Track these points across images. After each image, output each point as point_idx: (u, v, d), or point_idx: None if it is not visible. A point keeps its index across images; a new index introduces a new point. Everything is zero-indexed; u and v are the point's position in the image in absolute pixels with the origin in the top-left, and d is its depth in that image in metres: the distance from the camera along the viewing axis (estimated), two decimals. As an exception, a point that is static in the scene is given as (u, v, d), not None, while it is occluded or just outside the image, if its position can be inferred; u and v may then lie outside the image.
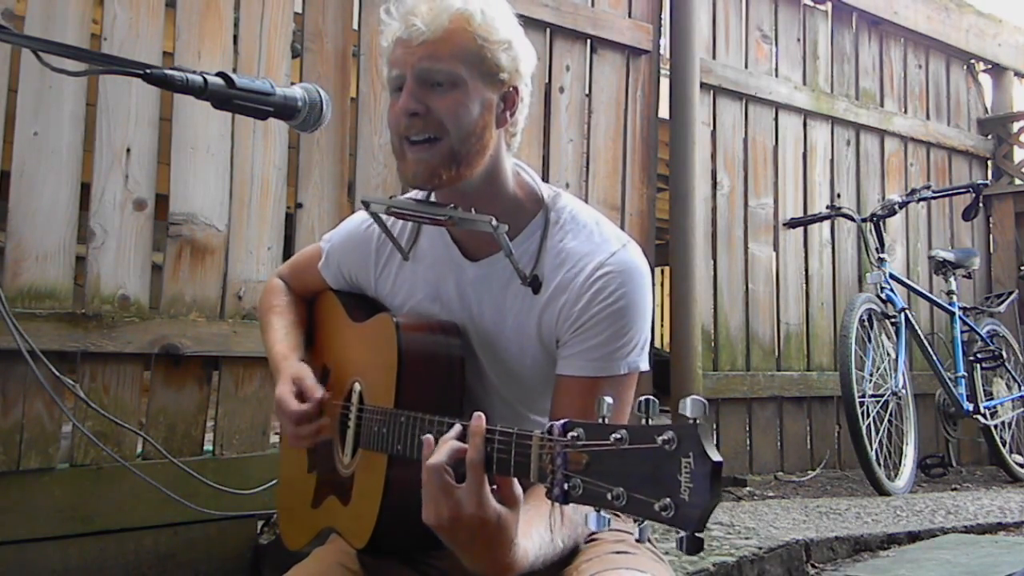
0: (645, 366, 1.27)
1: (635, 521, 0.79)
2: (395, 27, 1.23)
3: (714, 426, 3.87)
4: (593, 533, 1.22)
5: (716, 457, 0.74)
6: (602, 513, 0.82)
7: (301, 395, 1.34)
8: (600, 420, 0.84)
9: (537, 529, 1.07)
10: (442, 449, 0.98)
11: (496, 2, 1.25)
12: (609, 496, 0.80)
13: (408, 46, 1.21)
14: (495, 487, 0.98)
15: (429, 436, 1.01)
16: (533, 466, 0.90)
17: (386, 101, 1.30)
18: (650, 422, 0.80)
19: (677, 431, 0.77)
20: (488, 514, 0.96)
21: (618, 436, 0.81)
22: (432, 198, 1.31)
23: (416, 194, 1.36)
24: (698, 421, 0.76)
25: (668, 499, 0.76)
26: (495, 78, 1.24)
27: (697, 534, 0.75)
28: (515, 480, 0.98)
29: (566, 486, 0.84)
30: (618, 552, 1.18)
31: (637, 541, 0.81)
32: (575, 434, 0.85)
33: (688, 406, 0.77)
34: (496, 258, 1.29)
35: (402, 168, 1.25)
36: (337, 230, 1.51)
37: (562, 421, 0.87)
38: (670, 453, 0.77)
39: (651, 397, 0.81)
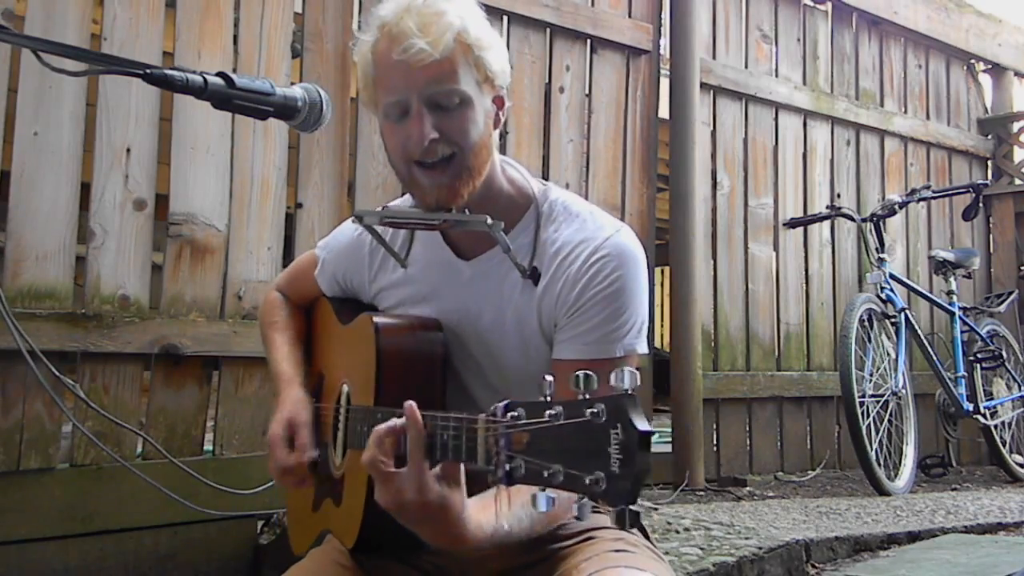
0: (643, 349, 1.27)
1: (576, 499, 0.78)
2: (381, 46, 1.19)
3: (714, 426, 3.87)
4: (590, 530, 1.23)
5: (643, 427, 0.73)
6: (547, 492, 0.81)
7: (291, 444, 1.34)
8: (543, 399, 0.83)
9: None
10: (371, 442, 1.01)
11: (473, 6, 1.24)
12: (546, 474, 0.79)
13: (409, 70, 1.17)
14: (439, 469, 0.99)
15: (377, 428, 1.02)
16: (480, 450, 0.90)
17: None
18: (586, 397, 0.79)
19: (607, 403, 0.76)
20: (429, 498, 0.97)
21: (553, 412, 0.80)
22: None
23: (408, 199, 1.36)
24: (631, 391, 0.75)
25: (600, 472, 0.75)
26: (491, 84, 1.24)
27: (631, 507, 0.74)
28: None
29: (508, 467, 0.84)
30: (617, 551, 1.18)
31: (576, 519, 0.79)
32: (515, 414, 0.85)
33: (625, 377, 0.76)
34: (490, 255, 1.29)
35: (418, 194, 1.24)
36: (331, 236, 1.51)
37: (504, 402, 0.87)
38: (599, 426, 0.75)
39: (589, 372, 0.80)
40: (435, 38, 1.16)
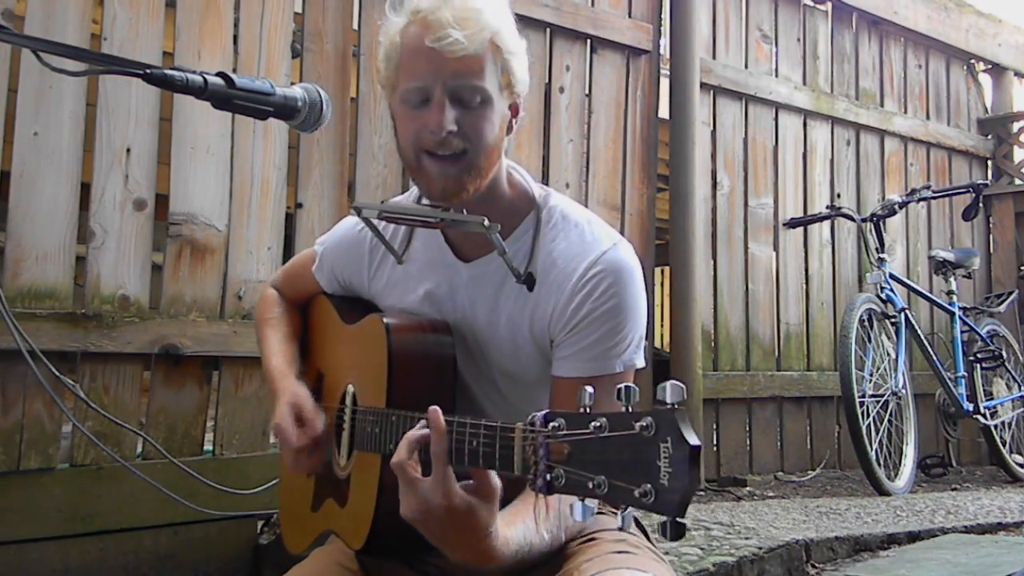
0: (641, 363, 1.27)
1: (620, 509, 0.79)
2: (412, 31, 1.19)
3: (714, 426, 3.87)
4: (592, 532, 1.23)
5: (694, 441, 0.74)
6: (587, 503, 0.82)
7: (301, 421, 1.33)
8: (581, 410, 0.84)
9: (524, 521, 1.08)
10: (403, 447, 1.01)
11: (506, 10, 1.24)
12: (591, 485, 0.80)
13: (439, 58, 1.17)
14: (471, 481, 1.00)
15: (410, 433, 1.03)
16: (517, 459, 0.90)
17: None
18: (630, 409, 0.79)
19: (655, 416, 0.77)
20: (455, 503, 0.98)
21: (597, 424, 0.81)
22: (424, 200, 1.30)
23: (408, 196, 1.36)
24: (676, 406, 0.76)
25: (648, 485, 0.76)
26: (511, 91, 1.25)
27: (679, 519, 0.75)
28: (491, 473, 0.99)
29: (548, 477, 0.85)
30: (619, 552, 1.18)
31: (620, 529, 0.81)
32: (556, 424, 0.85)
33: (668, 391, 0.76)
34: (489, 259, 1.29)
35: (423, 182, 1.24)
36: (331, 233, 1.50)
37: (543, 412, 0.88)
38: (649, 439, 0.76)
39: (631, 384, 0.81)
40: (472, 33, 1.16)
